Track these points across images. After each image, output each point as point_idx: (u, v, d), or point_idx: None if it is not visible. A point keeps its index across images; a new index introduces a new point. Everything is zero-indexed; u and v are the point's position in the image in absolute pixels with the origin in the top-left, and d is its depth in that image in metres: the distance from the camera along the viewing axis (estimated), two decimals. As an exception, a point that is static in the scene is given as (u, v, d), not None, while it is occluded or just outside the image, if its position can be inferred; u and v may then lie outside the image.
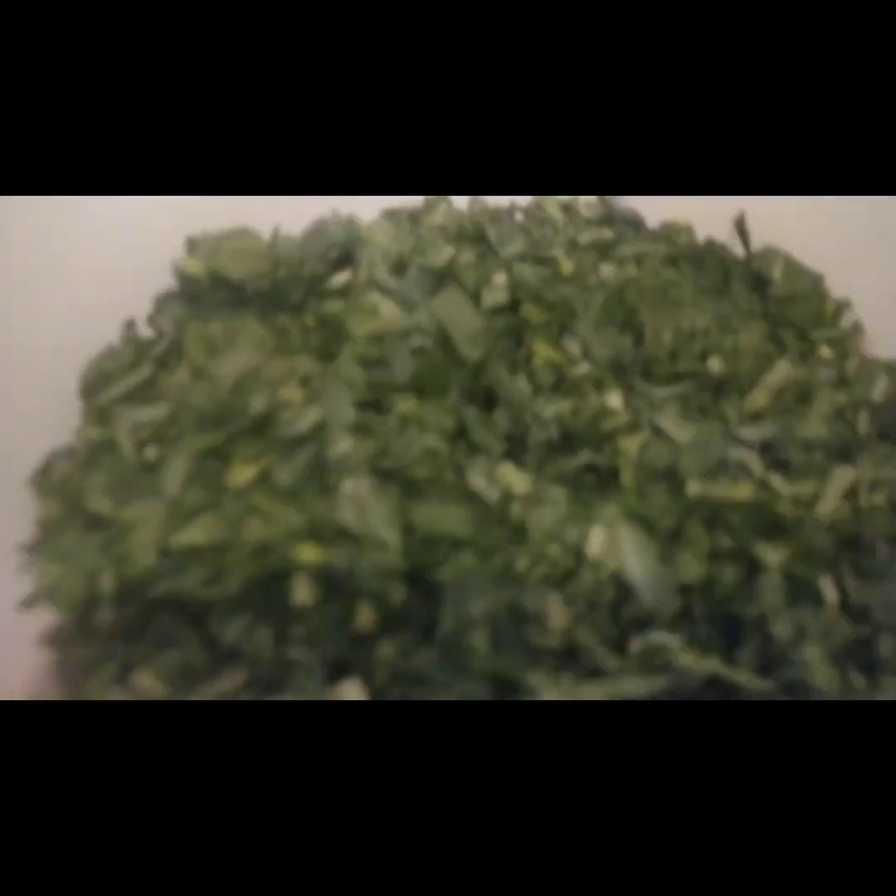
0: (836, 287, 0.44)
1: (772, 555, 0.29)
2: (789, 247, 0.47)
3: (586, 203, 0.51)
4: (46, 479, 0.30)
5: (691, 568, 0.29)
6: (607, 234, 0.47)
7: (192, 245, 0.42)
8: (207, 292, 0.41)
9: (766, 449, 0.34)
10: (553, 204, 0.49)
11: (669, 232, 0.48)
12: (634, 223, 0.53)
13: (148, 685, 0.26)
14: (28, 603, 0.27)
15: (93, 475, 0.28)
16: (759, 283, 0.46)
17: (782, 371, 0.37)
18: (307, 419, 0.30)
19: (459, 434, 0.34)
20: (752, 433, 0.34)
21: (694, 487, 0.31)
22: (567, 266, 0.39)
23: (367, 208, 0.46)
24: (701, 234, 0.49)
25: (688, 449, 0.33)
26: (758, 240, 0.50)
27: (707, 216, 0.50)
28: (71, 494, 0.28)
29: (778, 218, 0.47)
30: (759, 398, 0.36)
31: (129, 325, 0.38)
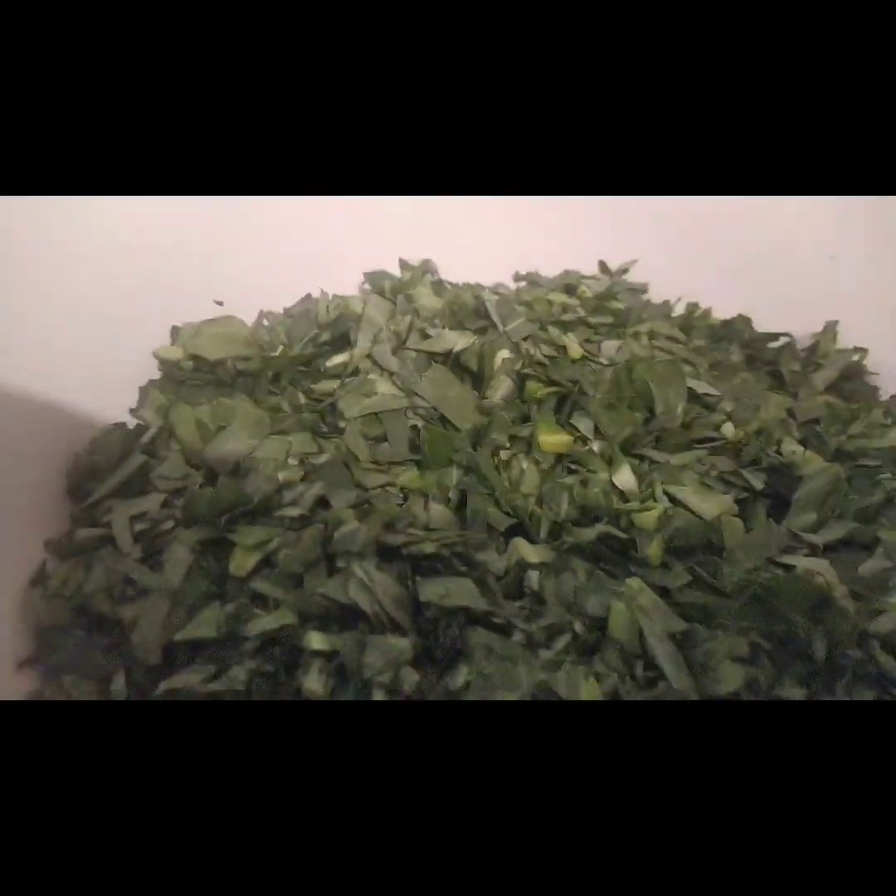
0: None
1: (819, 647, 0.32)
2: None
3: (591, 277, 0.59)
4: (44, 585, 0.34)
5: (730, 675, 0.31)
6: (617, 305, 0.54)
7: (175, 332, 0.49)
8: (189, 377, 0.47)
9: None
10: (556, 285, 0.57)
11: (691, 313, 0.56)
12: (640, 292, 0.61)
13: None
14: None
15: (91, 575, 0.32)
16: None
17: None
18: (309, 497, 0.34)
19: (461, 507, 0.38)
20: (818, 538, 0.38)
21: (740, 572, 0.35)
22: (575, 349, 0.45)
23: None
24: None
25: (740, 543, 0.37)
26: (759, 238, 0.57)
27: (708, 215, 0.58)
28: (71, 597, 0.32)
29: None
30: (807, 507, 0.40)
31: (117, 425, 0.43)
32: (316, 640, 0.30)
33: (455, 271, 0.60)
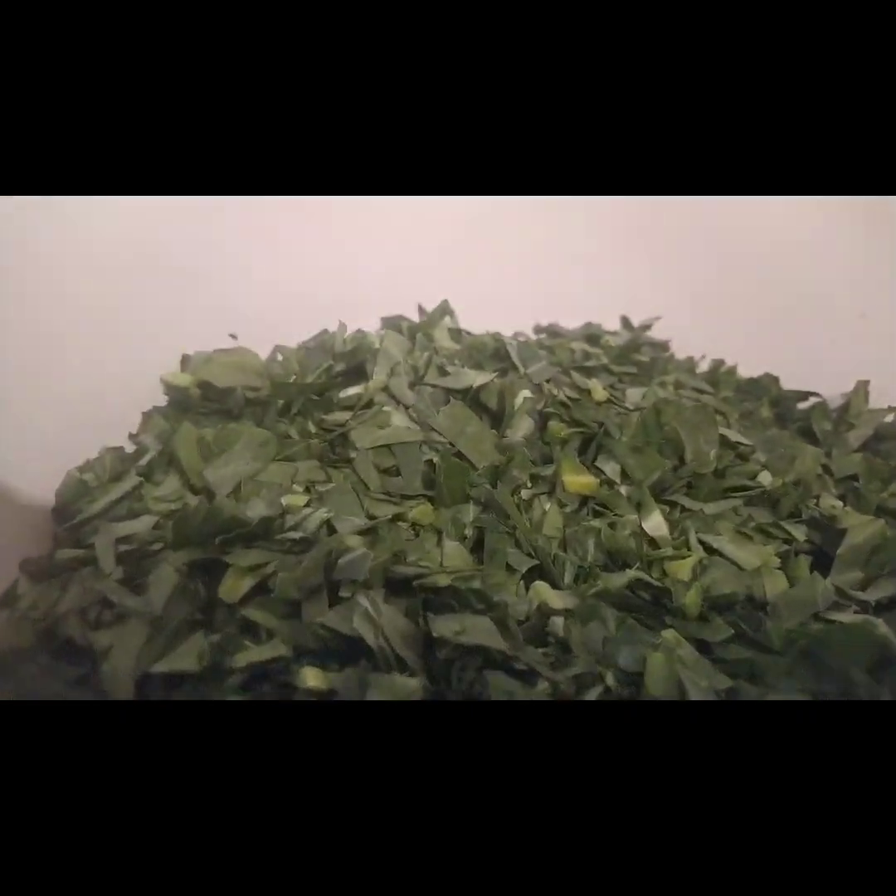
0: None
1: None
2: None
3: (612, 332, 0.57)
4: (13, 607, 0.30)
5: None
6: (641, 358, 0.52)
7: (186, 360, 0.46)
8: (197, 404, 0.44)
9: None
10: (578, 336, 0.55)
11: (716, 369, 0.54)
12: (662, 349, 0.58)
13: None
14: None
15: (66, 596, 0.29)
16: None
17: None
18: (314, 520, 0.31)
19: (477, 548, 0.34)
20: (868, 596, 0.34)
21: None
22: (599, 392, 0.42)
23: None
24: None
25: (783, 597, 0.33)
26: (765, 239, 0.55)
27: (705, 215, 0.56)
28: (40, 620, 0.28)
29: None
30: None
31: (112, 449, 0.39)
32: (311, 677, 0.25)
33: (474, 322, 0.58)
